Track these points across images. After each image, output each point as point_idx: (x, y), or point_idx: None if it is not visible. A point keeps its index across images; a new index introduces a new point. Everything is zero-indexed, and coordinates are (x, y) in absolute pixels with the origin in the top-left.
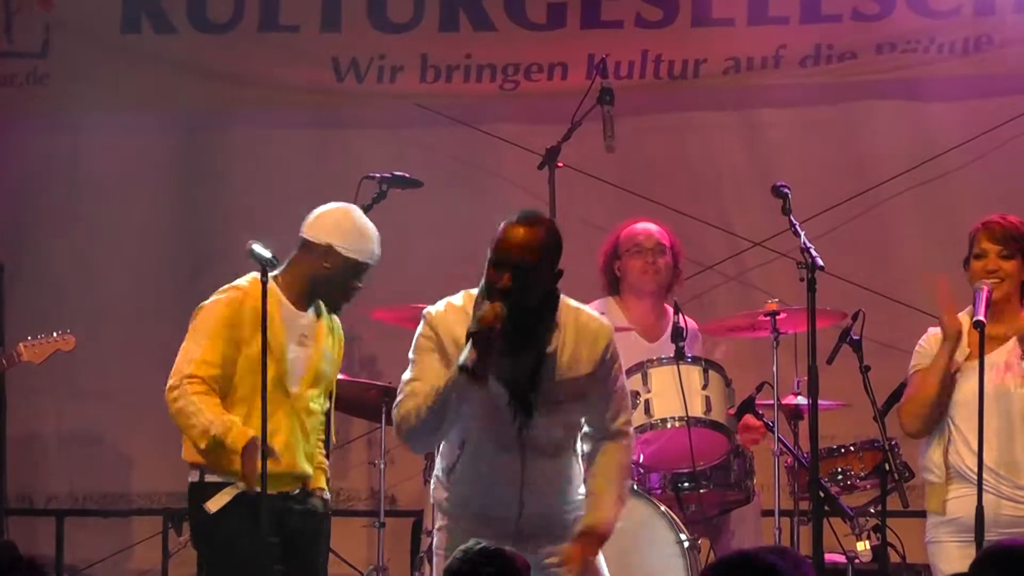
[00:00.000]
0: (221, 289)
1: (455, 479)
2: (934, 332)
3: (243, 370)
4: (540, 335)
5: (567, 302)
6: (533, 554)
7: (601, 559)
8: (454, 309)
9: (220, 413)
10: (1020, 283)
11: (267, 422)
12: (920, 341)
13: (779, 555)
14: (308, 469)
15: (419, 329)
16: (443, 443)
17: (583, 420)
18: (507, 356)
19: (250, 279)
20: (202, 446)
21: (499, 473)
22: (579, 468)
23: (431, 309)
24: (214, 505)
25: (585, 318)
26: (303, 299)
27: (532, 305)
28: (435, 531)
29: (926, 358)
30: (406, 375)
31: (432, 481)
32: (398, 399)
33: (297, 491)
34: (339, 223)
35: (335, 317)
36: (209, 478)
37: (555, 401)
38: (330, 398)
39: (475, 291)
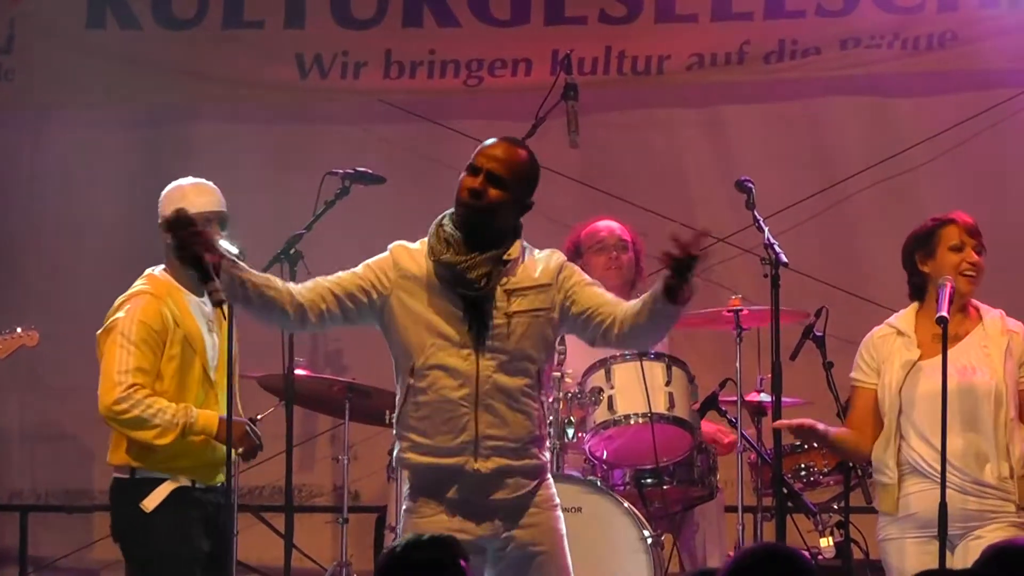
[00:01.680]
0: (131, 295)
1: (405, 418)
2: (879, 334)
3: (169, 365)
4: (495, 244)
5: (528, 246)
6: (494, 535)
7: (567, 552)
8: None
9: (175, 406)
10: None
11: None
12: (860, 349)
13: None
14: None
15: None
16: (397, 391)
17: (594, 325)
18: (463, 260)
19: (148, 280)
20: (165, 442)
21: (452, 391)
22: (539, 416)
23: (397, 244)
24: (151, 503)
25: (539, 251)
26: (191, 284)
27: (496, 218)
28: (401, 515)
29: (866, 376)
30: None
31: (394, 452)
32: None
33: (220, 484)
34: (164, 197)
35: None
36: (141, 475)
37: (514, 312)
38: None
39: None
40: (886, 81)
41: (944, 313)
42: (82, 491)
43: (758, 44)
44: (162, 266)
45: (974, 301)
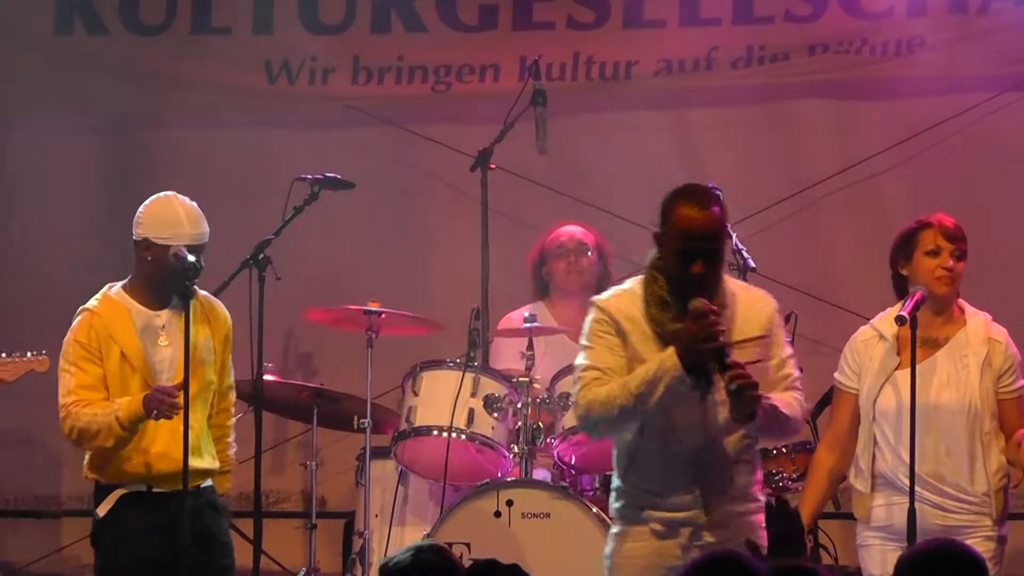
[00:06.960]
0: (78, 311)
1: (636, 470)
2: (862, 338)
3: (111, 381)
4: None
5: (728, 277)
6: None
7: None
8: (624, 293)
9: (108, 403)
10: None
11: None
12: (845, 351)
13: None
14: (204, 464)
15: (591, 316)
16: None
17: None
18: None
19: (99, 297)
20: (112, 442)
21: (683, 449)
22: (758, 467)
23: (600, 297)
24: (101, 510)
25: (751, 289)
26: (152, 299)
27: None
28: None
29: (849, 380)
30: (582, 361)
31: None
32: (579, 386)
33: (194, 488)
34: (151, 214)
35: (213, 303)
36: (101, 485)
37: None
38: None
39: (639, 278)
40: (854, 86)
41: (903, 313)
42: (51, 496)
43: (726, 50)
44: (122, 283)
45: (960, 302)
